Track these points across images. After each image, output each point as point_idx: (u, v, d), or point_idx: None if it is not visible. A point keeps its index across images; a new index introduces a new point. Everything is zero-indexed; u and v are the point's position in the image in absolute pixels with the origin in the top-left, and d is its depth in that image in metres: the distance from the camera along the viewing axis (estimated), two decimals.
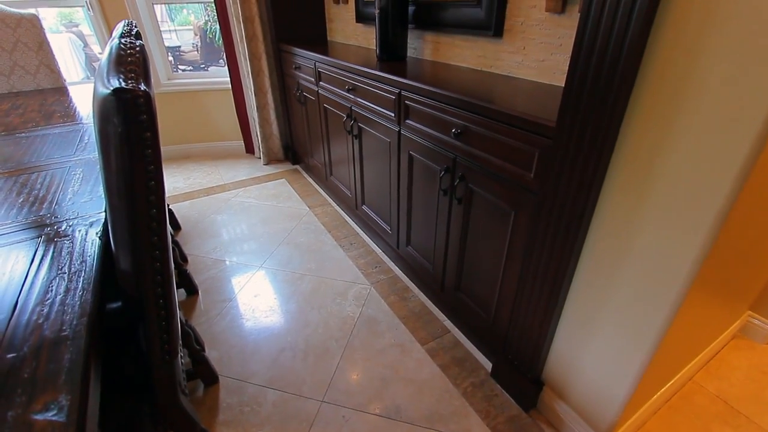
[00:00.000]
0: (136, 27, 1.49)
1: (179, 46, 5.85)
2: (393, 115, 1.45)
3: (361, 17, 2.11)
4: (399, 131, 1.44)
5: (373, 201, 1.84)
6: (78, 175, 1.05)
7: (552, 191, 0.89)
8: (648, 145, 0.73)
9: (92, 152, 1.20)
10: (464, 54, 1.53)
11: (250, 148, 3.06)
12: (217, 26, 2.65)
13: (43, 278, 0.65)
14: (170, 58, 5.75)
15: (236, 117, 2.95)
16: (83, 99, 1.89)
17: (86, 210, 0.87)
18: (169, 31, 8.50)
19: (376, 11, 1.63)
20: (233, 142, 3.11)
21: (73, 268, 0.67)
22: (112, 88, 0.52)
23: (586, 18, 0.73)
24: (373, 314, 1.52)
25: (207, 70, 6.13)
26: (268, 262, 1.84)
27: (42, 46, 2.11)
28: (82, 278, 0.65)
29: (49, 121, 1.53)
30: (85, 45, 6.28)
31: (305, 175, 2.72)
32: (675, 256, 0.74)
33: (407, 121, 1.38)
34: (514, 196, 1.03)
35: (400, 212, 1.61)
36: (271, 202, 2.36)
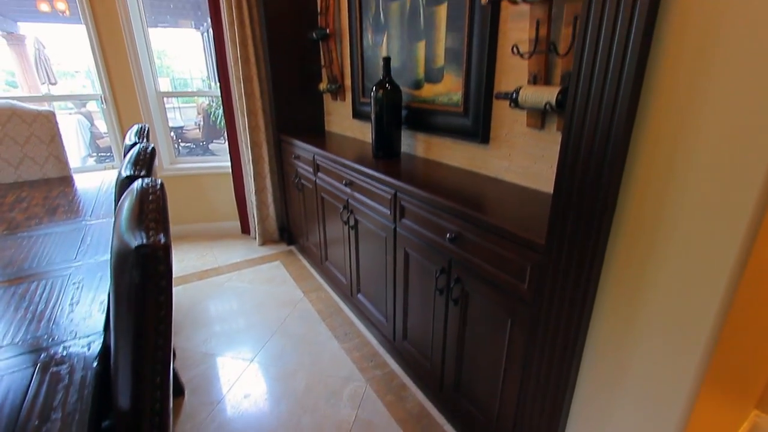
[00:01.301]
0: (148, 129, 1.60)
1: (182, 127, 6.17)
2: (389, 212, 1.52)
3: (357, 114, 2.29)
4: (395, 228, 1.50)
5: (369, 291, 1.84)
6: (78, 284, 1.06)
7: (546, 306, 0.92)
8: (634, 266, 0.77)
9: (93, 256, 1.22)
10: (455, 155, 1.65)
11: (246, 229, 3.10)
12: (221, 110, 2.85)
13: (34, 425, 0.63)
14: (172, 134, 6.02)
15: (234, 199, 3.03)
16: (87, 190, 1.94)
17: (84, 329, 0.87)
18: (173, 108, 9.01)
19: (372, 115, 1.78)
20: (229, 222, 3.16)
21: (67, 408, 0.65)
22: (134, 246, 0.55)
23: (566, 147, 0.82)
24: (369, 417, 1.45)
25: (208, 147, 6.44)
26: (261, 356, 1.78)
27: (54, 139, 2.22)
28: (75, 421, 0.63)
29: (53, 217, 1.56)
30: (92, 124, 6.60)
31: (300, 257, 2.73)
32: (672, 375, 0.75)
33: (403, 220, 1.44)
34: (509, 305, 1.05)
35: (396, 306, 1.61)
36: (266, 287, 2.34)
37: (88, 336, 0.84)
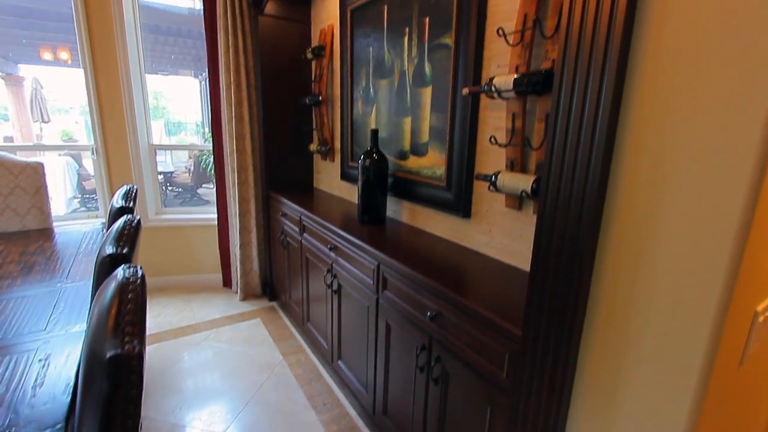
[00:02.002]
0: (136, 191, 1.61)
1: (173, 172, 6.20)
2: (371, 282, 1.53)
3: (345, 176, 2.36)
4: (377, 299, 1.50)
5: (350, 358, 1.80)
6: (44, 362, 1.01)
7: (525, 396, 0.92)
8: (608, 360, 0.79)
9: (64, 326, 1.18)
10: (438, 225, 1.69)
11: (228, 282, 3.05)
12: (212, 158, 2.90)
13: None
14: (161, 178, 6.00)
15: (218, 251, 3.01)
16: (67, 245, 1.91)
17: (45, 418, 0.83)
18: (165, 151, 9.08)
19: (359, 182, 1.84)
20: (211, 275, 3.10)
21: None
22: (107, 356, 0.55)
23: (538, 243, 0.86)
24: None
25: (196, 191, 6.44)
26: (233, 428, 1.68)
27: (39, 191, 2.21)
28: None
29: (27, 277, 1.52)
30: (80, 165, 6.59)
31: (282, 315, 2.68)
32: None
33: (385, 291, 1.45)
34: (489, 391, 1.04)
35: (377, 377, 1.57)
36: (243, 348, 2.26)
37: (47, 429, 0.80)
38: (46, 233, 2.10)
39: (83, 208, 5.79)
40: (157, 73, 7.28)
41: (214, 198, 2.91)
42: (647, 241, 0.72)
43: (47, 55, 5.03)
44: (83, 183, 6.17)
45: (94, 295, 1.07)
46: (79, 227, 2.23)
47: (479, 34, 1.35)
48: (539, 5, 1.14)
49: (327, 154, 2.54)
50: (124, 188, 1.66)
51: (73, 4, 2.55)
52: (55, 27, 4.74)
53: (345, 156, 2.32)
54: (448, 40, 1.48)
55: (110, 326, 0.60)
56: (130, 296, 0.69)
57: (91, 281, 1.37)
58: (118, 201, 1.54)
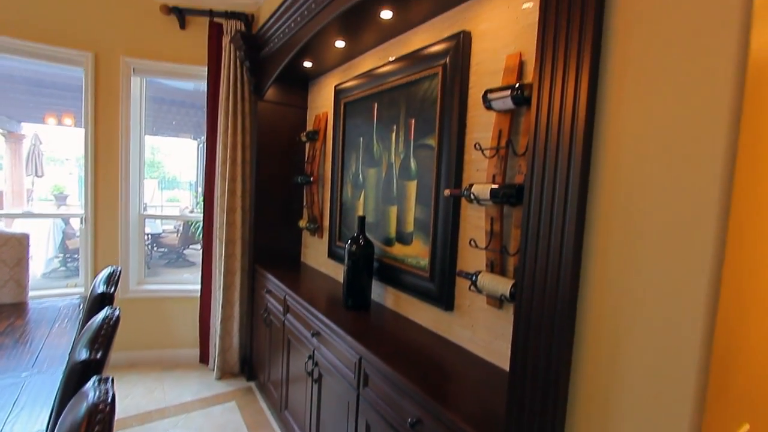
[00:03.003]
0: (119, 274, 1.60)
1: (160, 233, 6.18)
2: (353, 376, 1.48)
3: (332, 254, 2.38)
4: (358, 395, 1.45)
5: None
6: None
7: None
8: None
9: (22, 429, 1.11)
10: (421, 314, 1.69)
11: (205, 358, 2.91)
12: (201, 224, 2.91)
13: None
14: (148, 240, 5.93)
15: (197, 325, 2.91)
16: (40, 323, 1.84)
17: None
18: (155, 206, 9.08)
19: (345, 267, 1.86)
20: (188, 350, 2.97)
21: None
22: None
23: (514, 365, 0.86)
24: None
25: (183, 252, 6.37)
26: None
27: (20, 263, 2.18)
28: None
29: None
30: (66, 224, 6.55)
31: (259, 398, 2.53)
32: None
33: (366, 388, 1.41)
34: None
35: None
36: None
37: None
38: (20, 308, 2.04)
39: (63, 268, 5.65)
40: (156, 135, 7.54)
41: (199, 259, 2.88)
42: (619, 360, 0.74)
43: (52, 120, 5.21)
44: (67, 242, 6.08)
45: (60, 401, 1.02)
46: (55, 300, 2.17)
47: (460, 141, 1.47)
48: (512, 122, 1.27)
49: (315, 231, 2.58)
50: (108, 270, 1.65)
51: (84, 78, 2.72)
52: (63, 95, 4.97)
53: (333, 235, 2.37)
54: (432, 141, 1.59)
55: None
56: (98, 418, 0.68)
57: (59, 383, 1.30)
58: (99, 285, 1.53)
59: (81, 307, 2.08)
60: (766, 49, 0.66)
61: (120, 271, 1.67)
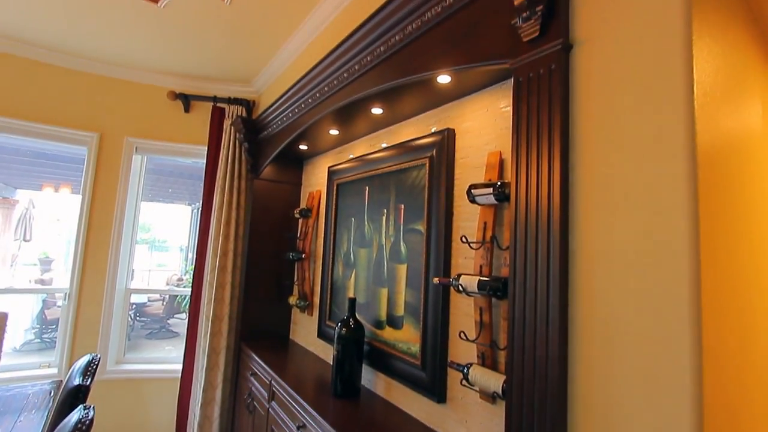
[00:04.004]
0: (98, 363, 1.53)
1: (145, 303, 6.00)
2: None
3: (322, 334, 2.32)
4: None
5: None
6: None
7: None
8: None
9: None
10: (413, 404, 1.62)
11: None
12: (188, 295, 2.83)
13: None
14: (131, 310, 5.72)
15: (175, 410, 2.73)
16: (3, 413, 1.72)
17: None
18: (143, 270, 8.88)
19: (334, 351, 1.81)
20: None
21: None
22: None
23: None
24: None
25: (167, 322, 6.14)
26: None
27: None
28: None
29: None
30: (47, 295, 6.35)
31: None
32: None
33: None
34: None
35: None
36: None
37: None
38: None
39: (38, 340, 5.36)
40: (151, 201, 7.63)
41: (183, 329, 2.77)
42: None
43: (49, 190, 5.30)
44: (46, 311, 5.84)
45: None
46: (24, 386, 2.04)
47: (447, 228, 1.52)
48: (496, 214, 1.33)
49: (306, 308, 2.54)
50: (87, 359, 1.58)
51: (87, 155, 2.82)
52: (64, 166, 5.11)
53: (323, 313, 2.33)
54: (421, 227, 1.65)
55: None
56: None
57: None
58: (76, 377, 1.46)
59: (51, 394, 1.96)
60: (711, 141, 0.76)
61: (99, 360, 1.60)
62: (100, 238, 2.79)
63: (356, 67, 1.66)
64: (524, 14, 0.87)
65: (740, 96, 1.03)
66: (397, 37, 1.42)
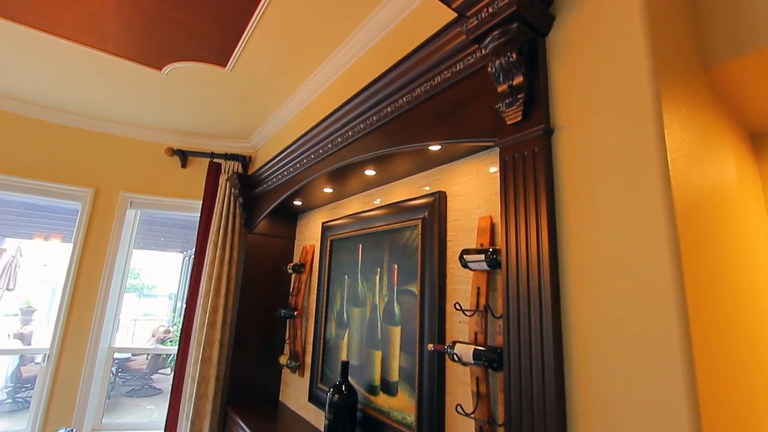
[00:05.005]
0: None
1: (129, 357, 5.75)
2: None
3: (313, 398, 2.22)
4: None
5: None
6: None
7: None
8: None
9: None
10: None
11: None
12: (173, 356, 2.70)
13: None
14: (114, 366, 5.45)
15: None
16: None
17: None
18: (129, 320, 8.58)
19: (325, 420, 1.72)
20: None
21: None
22: None
23: None
24: None
25: (152, 378, 5.84)
26: None
27: None
28: None
29: None
30: (29, 343, 6.07)
31: None
32: None
33: None
34: None
35: None
36: None
37: None
38: None
39: (10, 400, 5.04)
40: (143, 249, 7.53)
41: (167, 385, 2.63)
42: None
43: (39, 240, 5.23)
44: (22, 368, 5.54)
45: None
46: None
47: (441, 291, 1.51)
48: (489, 279, 1.33)
49: (297, 368, 2.45)
50: None
51: (80, 209, 2.81)
52: (56, 217, 5.08)
53: (315, 375, 2.24)
54: (415, 288, 1.64)
55: None
56: None
57: None
58: None
59: None
60: (688, 206, 0.79)
61: None
62: (87, 290, 2.73)
63: (350, 133, 1.73)
64: (507, 100, 0.93)
65: (711, 157, 1.08)
66: (389, 109, 1.50)
